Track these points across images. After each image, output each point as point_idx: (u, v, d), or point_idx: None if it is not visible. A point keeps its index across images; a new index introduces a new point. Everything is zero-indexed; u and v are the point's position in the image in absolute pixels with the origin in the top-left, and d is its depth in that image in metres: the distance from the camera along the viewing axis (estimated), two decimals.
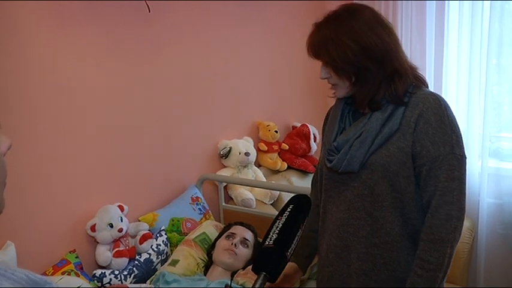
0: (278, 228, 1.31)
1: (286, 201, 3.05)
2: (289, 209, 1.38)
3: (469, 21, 3.12)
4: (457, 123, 1.54)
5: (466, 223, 2.74)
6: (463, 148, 1.54)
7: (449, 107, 1.54)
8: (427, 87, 1.63)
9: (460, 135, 1.53)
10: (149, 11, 2.47)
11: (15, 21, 2.05)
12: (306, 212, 1.38)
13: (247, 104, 3.35)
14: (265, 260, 1.27)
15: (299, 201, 1.41)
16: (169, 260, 2.44)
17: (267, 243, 1.29)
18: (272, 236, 1.30)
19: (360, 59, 1.50)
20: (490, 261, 3.27)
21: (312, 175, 3.39)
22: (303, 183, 3.33)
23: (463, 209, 1.51)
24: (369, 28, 1.52)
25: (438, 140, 1.49)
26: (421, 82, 1.61)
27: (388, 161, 1.53)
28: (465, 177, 1.53)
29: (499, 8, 3.00)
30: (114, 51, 2.46)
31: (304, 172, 3.44)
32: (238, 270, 2.34)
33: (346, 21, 1.52)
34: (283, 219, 1.35)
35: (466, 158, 1.54)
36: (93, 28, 2.35)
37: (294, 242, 1.30)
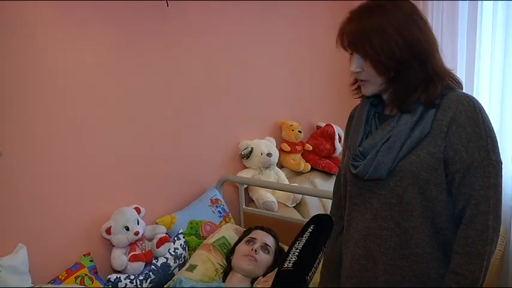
0: (298, 250, 1.23)
1: (309, 205, 2.98)
2: (310, 229, 1.29)
3: (503, 20, 3.01)
4: (492, 127, 1.43)
5: None
6: (499, 153, 1.43)
7: (484, 109, 1.43)
8: (462, 89, 1.51)
9: (496, 139, 1.43)
10: (167, 6, 2.40)
11: (15, 21, 1.98)
12: (328, 233, 1.30)
13: (270, 103, 3.25)
14: (283, 285, 1.18)
15: (321, 221, 1.32)
16: (187, 265, 2.37)
17: (286, 266, 1.21)
18: (291, 258, 1.22)
19: (405, 54, 1.39)
20: None
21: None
22: (327, 186, 3.22)
23: (499, 219, 1.41)
24: (413, 21, 1.41)
25: (473, 146, 1.39)
26: (456, 84, 1.49)
27: (418, 167, 1.42)
28: (501, 184, 1.43)
29: None
30: (130, 49, 2.39)
31: (328, 174, 3.33)
32: (259, 277, 2.25)
33: (391, 12, 1.40)
34: (304, 240, 1.27)
35: (502, 163, 1.43)
36: (107, 26, 2.29)
37: (315, 265, 1.22)
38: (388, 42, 1.38)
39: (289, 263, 1.21)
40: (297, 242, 1.26)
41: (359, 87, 1.59)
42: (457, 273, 1.40)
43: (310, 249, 1.23)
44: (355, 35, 1.42)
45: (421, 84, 1.42)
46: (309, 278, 1.19)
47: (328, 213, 2.96)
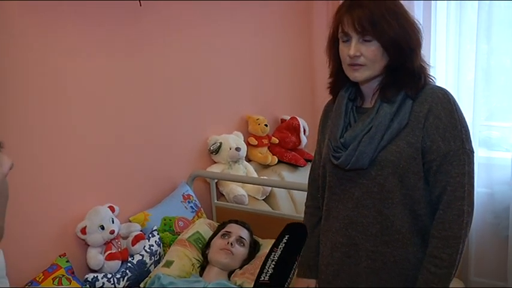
0: (274, 262, 1.28)
1: (278, 197, 3.02)
2: (284, 240, 1.34)
3: (456, 13, 3.15)
4: (464, 118, 1.52)
5: None
6: (471, 143, 1.52)
7: (456, 101, 1.53)
8: (435, 83, 1.60)
9: (468, 129, 1.52)
10: (140, 5, 2.39)
11: None
12: (302, 242, 1.34)
13: (236, 98, 3.27)
14: None
15: (294, 230, 1.36)
16: (163, 261, 2.37)
17: (263, 278, 1.25)
18: (268, 270, 1.27)
19: (410, 42, 1.47)
20: (481, 251, 3.29)
21: (302, 169, 3.36)
22: (294, 177, 3.27)
23: (473, 204, 1.49)
24: (407, 12, 1.50)
25: (449, 135, 1.47)
26: (432, 79, 1.58)
27: (398, 157, 1.49)
28: (474, 171, 1.51)
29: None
30: (101, 46, 2.37)
31: (294, 166, 3.38)
32: (235, 270, 2.29)
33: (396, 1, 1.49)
34: (279, 251, 1.31)
35: (474, 152, 1.52)
36: (82, 23, 2.26)
37: (291, 275, 1.26)
38: (403, 25, 1.46)
39: (266, 275, 1.25)
40: (273, 254, 1.31)
41: (336, 83, 1.65)
42: (435, 256, 1.47)
43: (286, 260, 1.27)
44: (374, 15, 1.44)
45: (410, 75, 1.49)
46: None
47: (297, 204, 3.06)
